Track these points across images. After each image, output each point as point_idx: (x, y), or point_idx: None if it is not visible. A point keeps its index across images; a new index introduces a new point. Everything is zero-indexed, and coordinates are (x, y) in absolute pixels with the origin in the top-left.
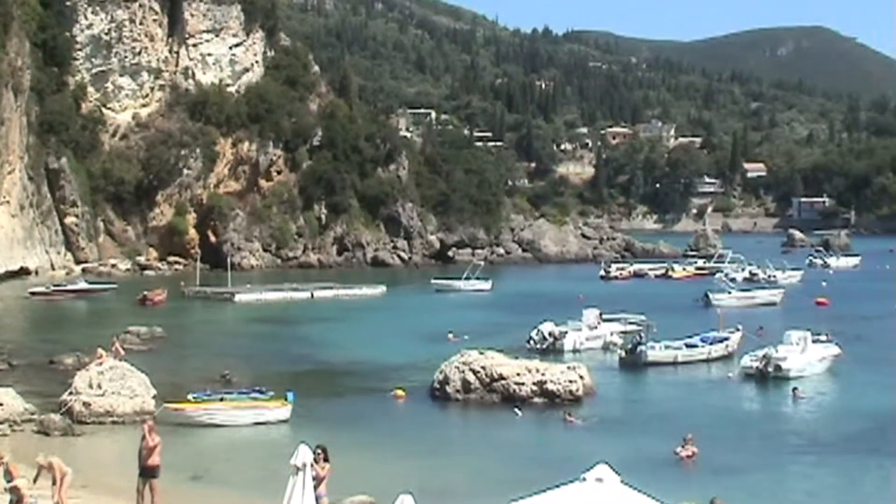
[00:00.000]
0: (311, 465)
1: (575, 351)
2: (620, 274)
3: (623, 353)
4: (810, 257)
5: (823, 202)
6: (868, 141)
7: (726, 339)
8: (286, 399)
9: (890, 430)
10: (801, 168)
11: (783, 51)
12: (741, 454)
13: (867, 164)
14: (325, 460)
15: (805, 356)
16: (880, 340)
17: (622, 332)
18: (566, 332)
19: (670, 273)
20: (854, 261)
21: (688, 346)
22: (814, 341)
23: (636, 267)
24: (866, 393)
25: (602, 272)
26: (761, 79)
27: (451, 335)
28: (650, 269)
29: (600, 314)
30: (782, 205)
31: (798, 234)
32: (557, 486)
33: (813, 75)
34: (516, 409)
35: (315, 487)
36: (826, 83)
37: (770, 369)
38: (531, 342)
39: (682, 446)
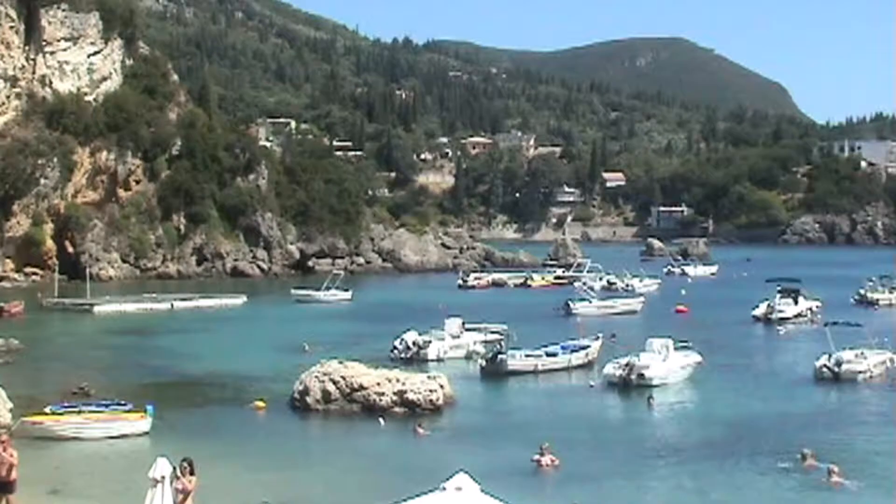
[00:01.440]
0: (178, 478)
1: (438, 360)
2: (478, 283)
3: (484, 363)
4: (668, 266)
5: (682, 211)
6: (726, 151)
7: (587, 347)
8: (145, 411)
9: (747, 436)
10: (659, 177)
11: (642, 62)
12: (601, 461)
13: (725, 173)
14: (191, 473)
15: (667, 364)
16: (739, 347)
17: (484, 342)
18: (430, 342)
19: (529, 282)
20: (711, 269)
21: (548, 354)
22: (675, 349)
23: (495, 276)
24: (725, 400)
25: (460, 281)
26: (620, 89)
27: (306, 346)
28: (509, 279)
29: (463, 323)
30: (641, 214)
31: (657, 243)
32: (417, 496)
33: (671, 86)
34: (381, 419)
35: (182, 501)
36: (684, 94)
37: (633, 377)
38: (395, 351)
39: (540, 454)
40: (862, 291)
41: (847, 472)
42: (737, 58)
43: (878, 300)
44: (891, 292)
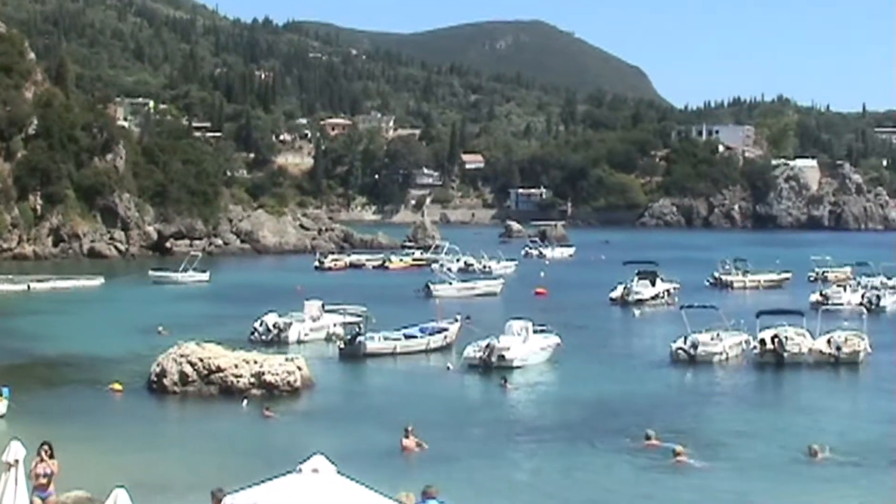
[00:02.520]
0: (40, 462)
1: (299, 342)
2: (335, 265)
3: (342, 345)
4: (526, 248)
5: (541, 194)
6: (585, 134)
7: (445, 329)
8: (1, 394)
9: (603, 417)
10: (518, 160)
11: (502, 44)
12: (461, 443)
13: (584, 156)
14: (51, 457)
15: (527, 346)
16: (596, 329)
17: (344, 324)
18: (290, 324)
19: (387, 264)
20: (569, 251)
21: (407, 336)
22: (535, 331)
23: (353, 258)
24: (583, 381)
25: (316, 263)
26: (480, 72)
27: (161, 329)
28: (367, 260)
29: (322, 305)
30: (500, 196)
31: (516, 226)
32: (274, 478)
33: (531, 69)
34: (244, 401)
35: (45, 484)
36: (544, 77)
37: (493, 359)
38: (255, 334)
39: (405, 436)
40: (716, 274)
41: (698, 452)
42: (597, 41)
43: (732, 283)
44: (744, 275)
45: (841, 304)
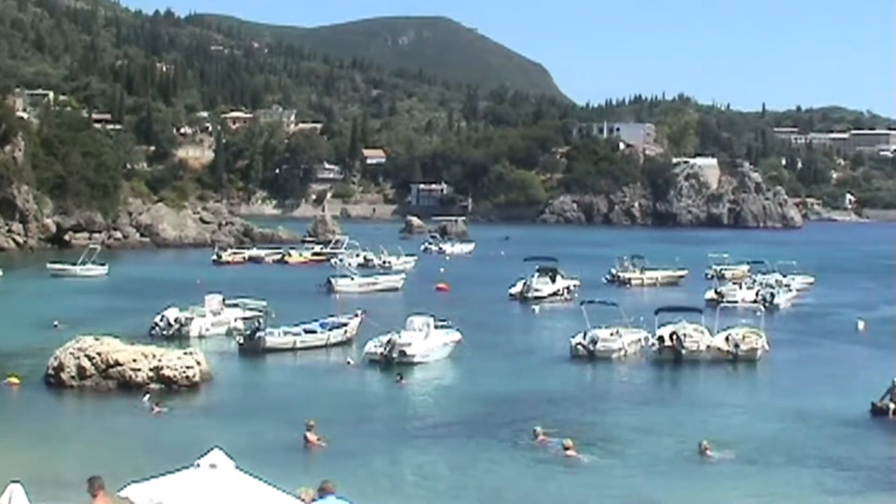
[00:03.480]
0: None
1: (200, 337)
2: (233, 259)
3: (242, 340)
4: (426, 243)
5: (441, 190)
6: (486, 130)
7: (345, 324)
8: None
9: (504, 413)
10: (420, 156)
11: (405, 40)
12: (360, 438)
13: (485, 152)
14: None
15: (428, 342)
16: (497, 325)
17: (245, 318)
18: (191, 318)
19: (287, 258)
20: (469, 247)
21: (307, 331)
22: (436, 327)
23: (252, 252)
24: (483, 377)
25: (214, 256)
26: (383, 67)
27: (57, 323)
28: (266, 255)
29: (223, 300)
30: (401, 192)
31: (416, 221)
32: (172, 473)
33: (434, 65)
34: (145, 396)
35: None
36: (446, 73)
37: (395, 355)
38: (156, 328)
39: (307, 432)
40: (613, 271)
41: (592, 448)
42: (499, 38)
43: (630, 279)
44: (642, 272)
45: (736, 302)
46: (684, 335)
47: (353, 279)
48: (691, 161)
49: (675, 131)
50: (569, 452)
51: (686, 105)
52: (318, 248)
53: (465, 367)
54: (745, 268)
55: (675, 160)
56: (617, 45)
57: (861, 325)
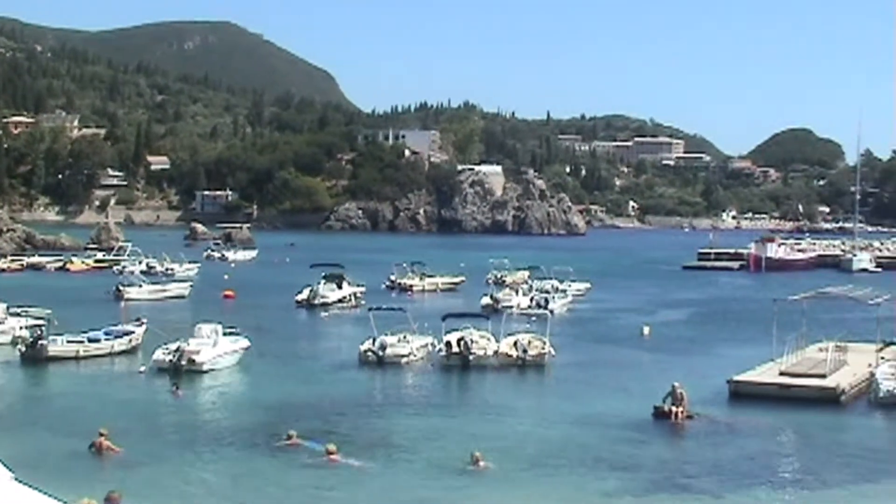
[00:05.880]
0: None
1: None
2: (11, 266)
3: (23, 348)
4: (208, 250)
5: (227, 196)
6: (271, 136)
7: (131, 332)
8: None
9: (290, 420)
10: (204, 162)
11: (190, 45)
12: (148, 447)
13: (270, 159)
14: None
15: (216, 349)
16: (284, 332)
17: (28, 327)
18: None
19: (69, 266)
20: (252, 254)
21: (91, 340)
22: (224, 334)
23: (33, 259)
24: (272, 384)
25: None
26: (168, 72)
27: None
28: (48, 262)
29: (7, 308)
30: (186, 198)
31: (201, 228)
32: None
33: (219, 70)
34: None
35: None
36: (232, 78)
37: (183, 363)
38: None
39: (98, 441)
40: (393, 277)
41: (371, 452)
42: (285, 44)
43: (412, 286)
44: (422, 278)
45: (511, 307)
46: (471, 341)
47: (141, 286)
48: (476, 168)
49: (461, 138)
50: (332, 457)
51: (471, 112)
52: (100, 256)
53: (253, 375)
54: (525, 274)
55: (460, 167)
56: (403, 52)
57: (646, 330)
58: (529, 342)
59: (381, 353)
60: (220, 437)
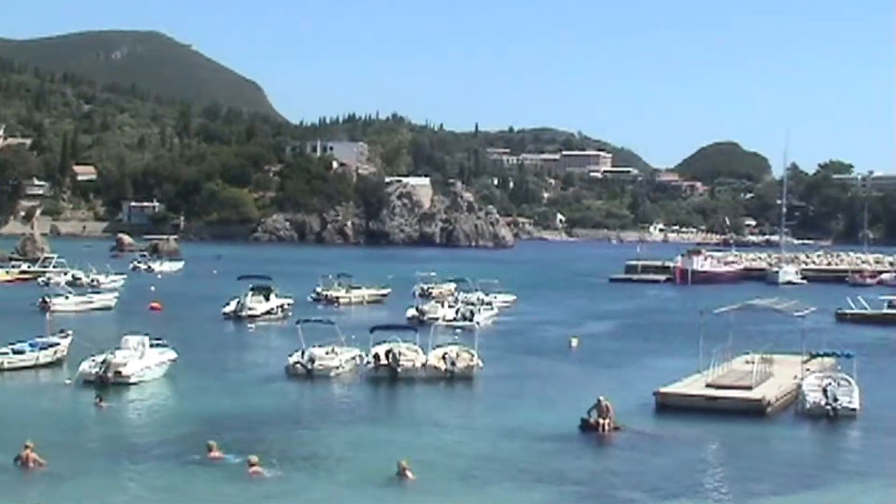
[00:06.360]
0: None
1: None
2: None
3: None
4: (135, 262)
5: (154, 207)
6: (199, 147)
7: (56, 344)
8: None
9: (218, 432)
10: (132, 172)
11: (118, 54)
12: (73, 460)
13: (198, 169)
14: None
15: (143, 361)
16: (212, 344)
17: None
18: None
19: None
20: (178, 265)
21: (15, 351)
22: (151, 346)
23: None
24: (199, 397)
25: None
26: (95, 81)
27: None
28: None
29: None
30: (112, 209)
31: (128, 239)
32: None
33: (147, 80)
34: None
35: None
36: (160, 88)
37: (110, 375)
38: None
39: (24, 453)
40: (318, 289)
41: (294, 464)
42: (214, 54)
43: (338, 298)
44: (348, 291)
45: (437, 319)
46: (399, 353)
47: (67, 298)
48: (404, 180)
49: (389, 150)
50: (254, 469)
51: (399, 125)
52: (25, 267)
53: (180, 387)
54: (451, 286)
55: (388, 179)
56: (332, 64)
57: (574, 342)
58: (458, 354)
59: (309, 366)
60: (145, 449)
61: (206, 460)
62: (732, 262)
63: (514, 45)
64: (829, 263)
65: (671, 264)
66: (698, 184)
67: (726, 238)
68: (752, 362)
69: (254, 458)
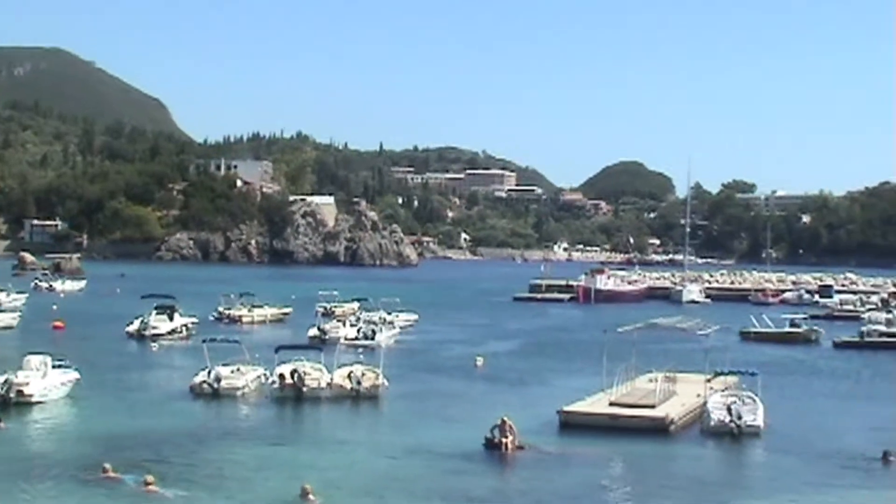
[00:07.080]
0: None
1: None
2: None
3: None
4: (37, 280)
5: (56, 225)
6: (102, 165)
7: None
8: None
9: (118, 452)
10: (34, 190)
11: (20, 71)
12: None
13: (101, 188)
14: None
15: (46, 381)
16: (115, 364)
17: None
18: None
19: None
20: (80, 284)
21: None
22: (54, 366)
23: None
24: (102, 417)
25: None
26: None
27: None
28: None
29: None
30: (14, 227)
31: (29, 258)
32: None
33: (50, 97)
34: None
35: None
36: (63, 106)
37: (12, 395)
38: None
39: None
40: (220, 308)
41: (194, 484)
42: (117, 72)
43: (240, 317)
44: (251, 310)
45: (338, 339)
46: (304, 373)
47: None
48: (308, 199)
49: (293, 169)
50: (150, 488)
51: (304, 143)
52: None
53: (83, 407)
54: (354, 305)
55: (292, 198)
56: (236, 82)
57: (479, 360)
58: (363, 374)
59: (216, 385)
60: (43, 470)
61: (103, 481)
62: (636, 281)
63: (418, 64)
64: (732, 282)
65: (575, 283)
66: (602, 203)
67: (630, 257)
68: (656, 381)
69: (150, 478)
